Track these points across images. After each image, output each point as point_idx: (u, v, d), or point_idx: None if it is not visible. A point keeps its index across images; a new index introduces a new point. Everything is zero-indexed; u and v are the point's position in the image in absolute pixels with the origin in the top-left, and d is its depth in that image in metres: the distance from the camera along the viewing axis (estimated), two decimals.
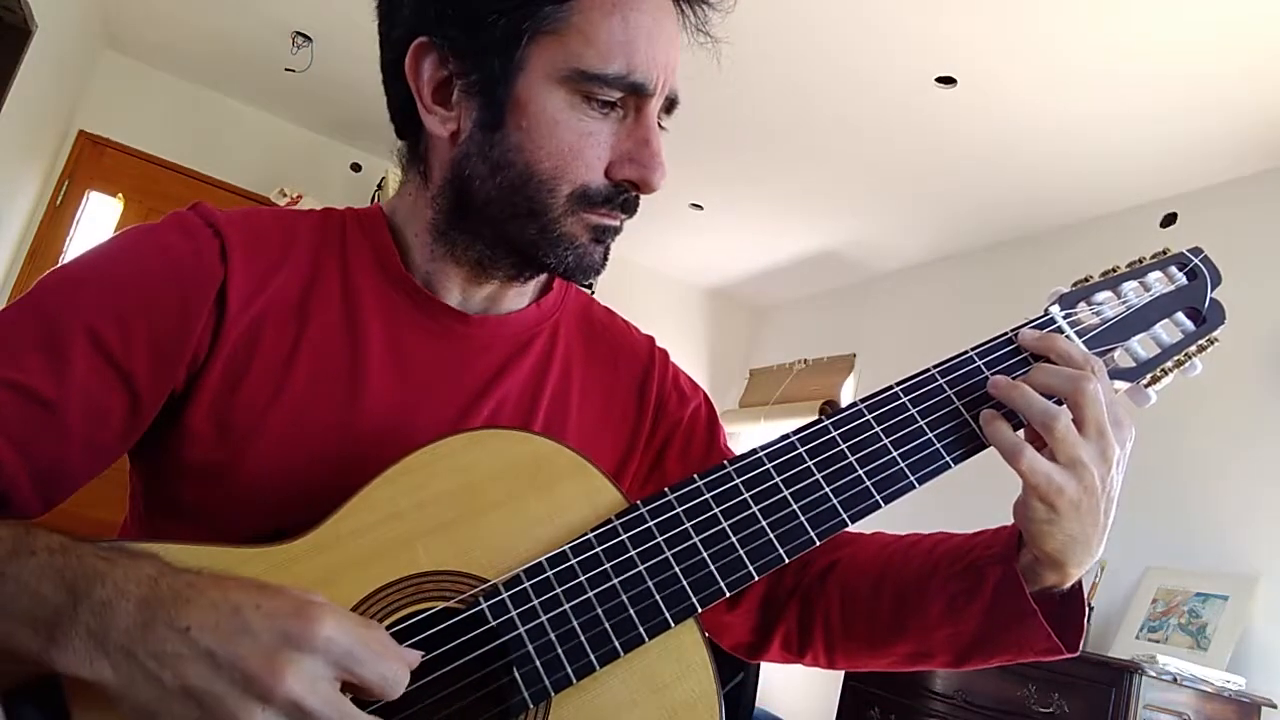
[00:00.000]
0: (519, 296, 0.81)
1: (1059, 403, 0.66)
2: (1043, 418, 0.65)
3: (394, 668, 0.53)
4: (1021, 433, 0.68)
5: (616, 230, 0.75)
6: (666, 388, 0.87)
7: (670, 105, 0.75)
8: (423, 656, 0.57)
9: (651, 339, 0.91)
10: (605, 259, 0.76)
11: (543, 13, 0.67)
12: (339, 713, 0.50)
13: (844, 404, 0.71)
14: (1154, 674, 2.27)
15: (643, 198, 0.75)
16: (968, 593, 0.71)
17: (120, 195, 4.19)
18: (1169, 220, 3.19)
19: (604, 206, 0.72)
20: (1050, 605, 0.70)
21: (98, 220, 4.21)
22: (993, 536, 0.74)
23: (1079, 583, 0.71)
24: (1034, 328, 0.74)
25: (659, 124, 0.74)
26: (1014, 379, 0.69)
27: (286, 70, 3.80)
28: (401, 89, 0.73)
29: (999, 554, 0.71)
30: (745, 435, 5.08)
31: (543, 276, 0.84)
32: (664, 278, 5.10)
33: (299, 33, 3.60)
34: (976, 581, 0.71)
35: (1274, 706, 2.38)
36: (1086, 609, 0.71)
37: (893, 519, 0.74)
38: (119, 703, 0.50)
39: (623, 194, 0.72)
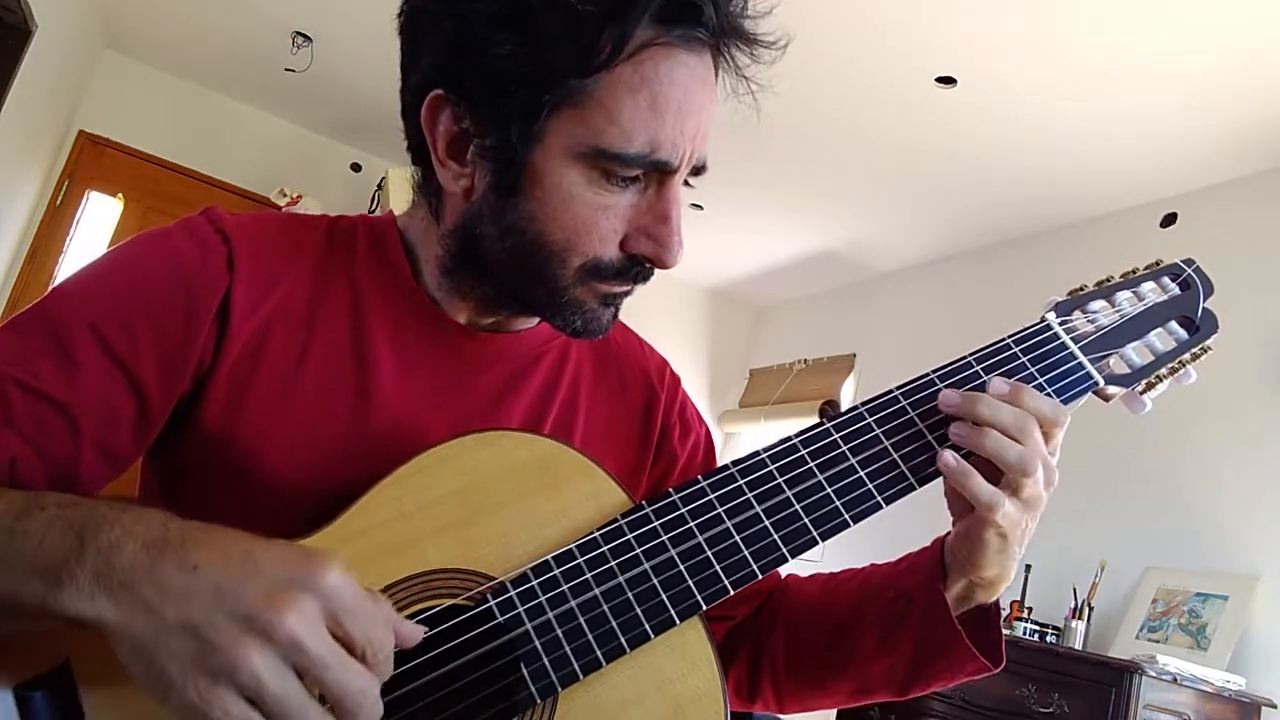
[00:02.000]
0: (526, 321, 0.80)
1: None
2: (1020, 463, 0.66)
3: (383, 635, 0.52)
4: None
5: (628, 294, 0.73)
6: (672, 418, 0.87)
7: (697, 171, 0.71)
8: (425, 632, 0.56)
9: (665, 362, 0.90)
10: (614, 319, 0.74)
11: (566, 86, 0.63)
12: (338, 658, 0.50)
13: (844, 404, 0.72)
14: (1154, 674, 2.28)
15: None
16: (898, 620, 0.73)
17: (120, 195, 4.19)
18: (1169, 220, 3.19)
19: (615, 279, 0.70)
20: (973, 624, 0.72)
21: (98, 220, 4.21)
22: (918, 560, 0.76)
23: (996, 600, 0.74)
24: (1030, 335, 0.76)
25: (686, 182, 0.71)
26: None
27: (286, 70, 3.80)
28: (417, 130, 0.71)
29: (924, 578, 0.73)
30: (745, 435, 5.09)
31: None
32: (664, 278, 5.01)
33: (299, 33, 3.61)
34: (906, 607, 0.73)
35: (1274, 706, 2.38)
36: (1001, 619, 0.74)
37: (886, 524, 0.75)
38: (117, 643, 0.49)
39: (635, 266, 0.70)
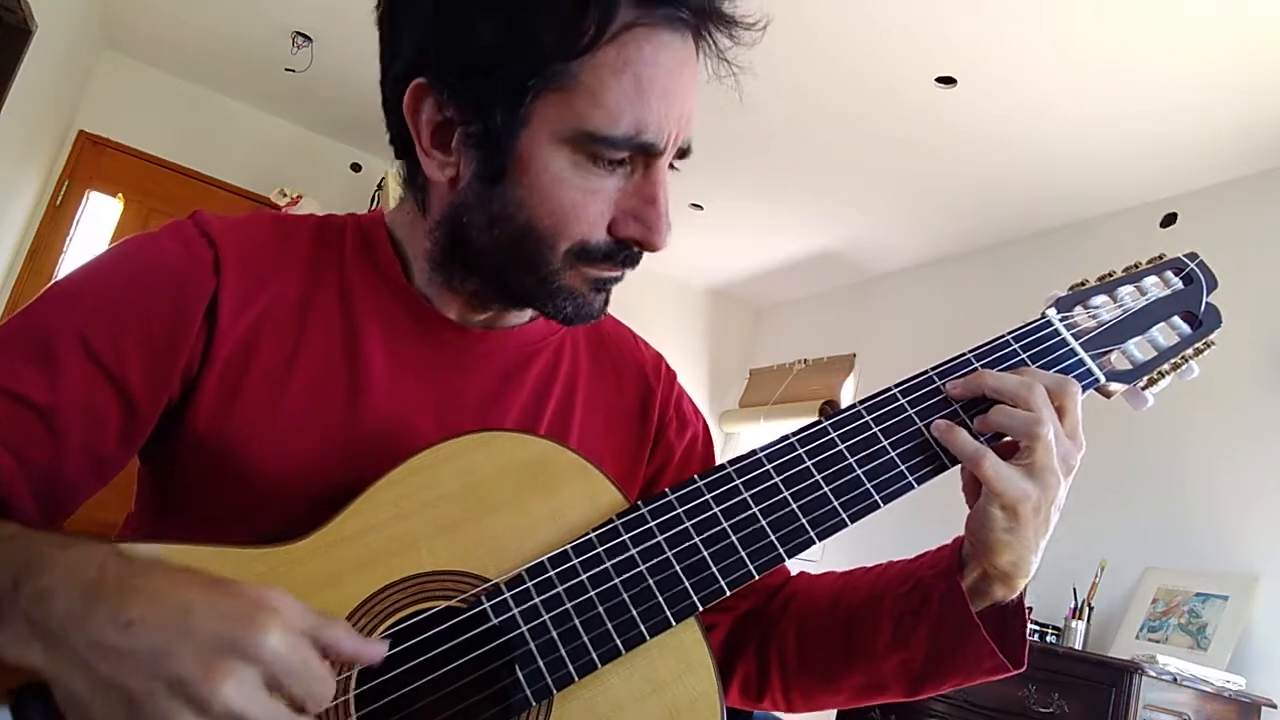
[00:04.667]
0: (518, 316, 0.80)
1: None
2: (1027, 425, 0.66)
3: (323, 690, 0.50)
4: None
5: (618, 279, 0.73)
6: (669, 412, 0.86)
7: (682, 154, 0.71)
8: (387, 651, 0.55)
9: (660, 356, 0.90)
10: (606, 304, 0.74)
11: (550, 69, 0.63)
12: None
13: (844, 404, 0.72)
14: (1154, 674, 2.28)
15: None
16: (914, 613, 0.72)
17: (120, 195, 4.19)
18: (1169, 220, 3.19)
19: (604, 262, 0.70)
20: (993, 623, 0.70)
21: (98, 220, 4.21)
22: (935, 555, 0.74)
23: (1021, 597, 0.71)
24: (1030, 331, 0.75)
25: (671, 165, 0.71)
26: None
27: (286, 70, 3.80)
28: (399, 122, 0.70)
29: (942, 570, 0.72)
30: (745, 435, 5.08)
31: None
32: (664, 278, 5.10)
33: (299, 33, 3.60)
34: (922, 600, 0.71)
35: (1274, 706, 2.38)
36: (1028, 623, 0.72)
37: (887, 527, 0.75)
38: (53, 687, 0.48)
39: (624, 251, 0.70)
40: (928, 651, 0.71)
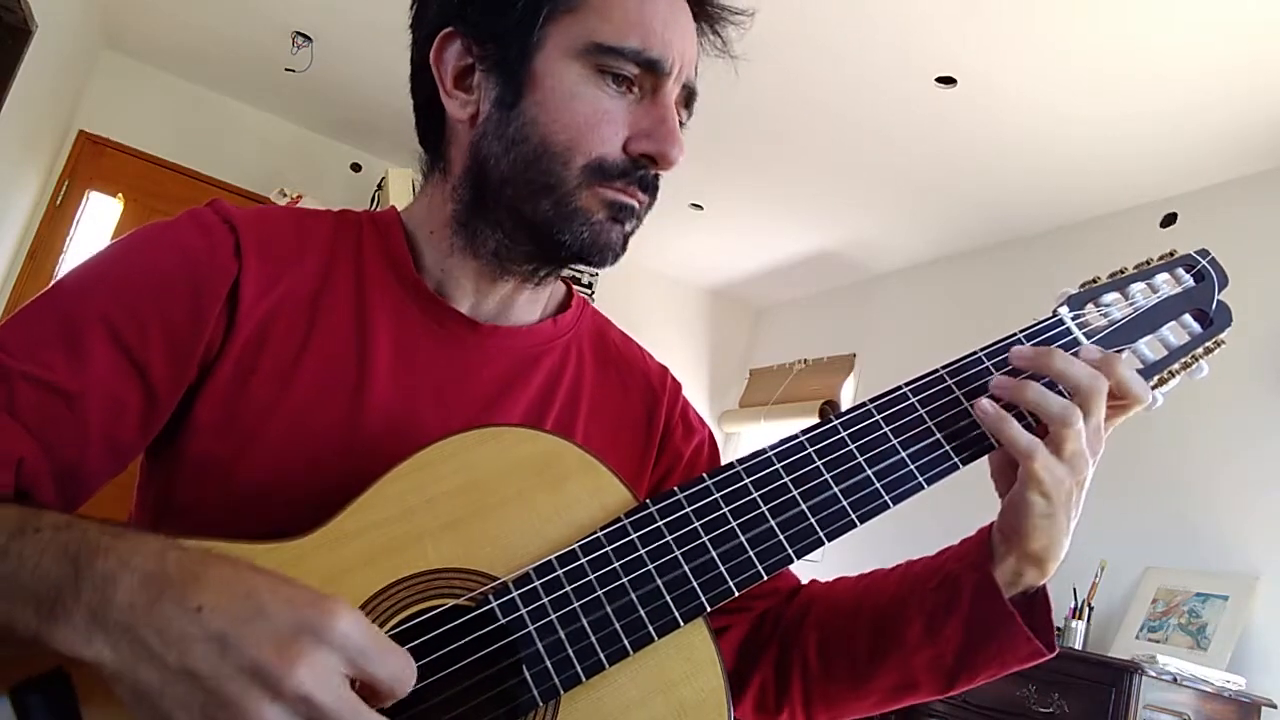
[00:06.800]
0: (531, 304, 0.81)
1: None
2: (1063, 414, 0.65)
3: (403, 666, 0.51)
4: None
5: (635, 212, 0.74)
6: (674, 419, 0.86)
7: (689, 98, 0.76)
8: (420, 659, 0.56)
9: (666, 369, 0.90)
10: (624, 242, 0.75)
11: None
12: (352, 710, 0.48)
13: (844, 404, 0.72)
14: (1154, 674, 2.28)
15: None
16: (946, 606, 0.71)
17: (120, 195, 4.18)
18: (1169, 220, 3.19)
19: (619, 180, 0.72)
20: (1021, 610, 0.70)
21: (98, 220, 4.20)
22: (961, 548, 0.74)
23: (1044, 583, 0.72)
24: (1042, 329, 0.74)
25: (681, 118, 0.75)
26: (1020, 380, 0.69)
27: (286, 70, 3.80)
28: (426, 84, 0.76)
29: (972, 562, 0.71)
30: (745, 435, 5.08)
31: (559, 291, 0.84)
32: (664, 278, 5.10)
33: (299, 33, 3.60)
34: (954, 592, 0.71)
35: (1274, 706, 2.38)
36: (1051, 607, 0.72)
37: (890, 529, 0.74)
38: (117, 684, 0.48)
39: (640, 169, 0.72)
40: (961, 644, 0.71)
